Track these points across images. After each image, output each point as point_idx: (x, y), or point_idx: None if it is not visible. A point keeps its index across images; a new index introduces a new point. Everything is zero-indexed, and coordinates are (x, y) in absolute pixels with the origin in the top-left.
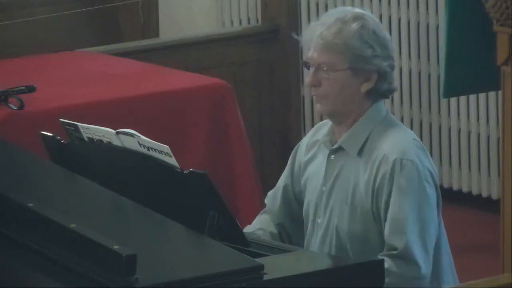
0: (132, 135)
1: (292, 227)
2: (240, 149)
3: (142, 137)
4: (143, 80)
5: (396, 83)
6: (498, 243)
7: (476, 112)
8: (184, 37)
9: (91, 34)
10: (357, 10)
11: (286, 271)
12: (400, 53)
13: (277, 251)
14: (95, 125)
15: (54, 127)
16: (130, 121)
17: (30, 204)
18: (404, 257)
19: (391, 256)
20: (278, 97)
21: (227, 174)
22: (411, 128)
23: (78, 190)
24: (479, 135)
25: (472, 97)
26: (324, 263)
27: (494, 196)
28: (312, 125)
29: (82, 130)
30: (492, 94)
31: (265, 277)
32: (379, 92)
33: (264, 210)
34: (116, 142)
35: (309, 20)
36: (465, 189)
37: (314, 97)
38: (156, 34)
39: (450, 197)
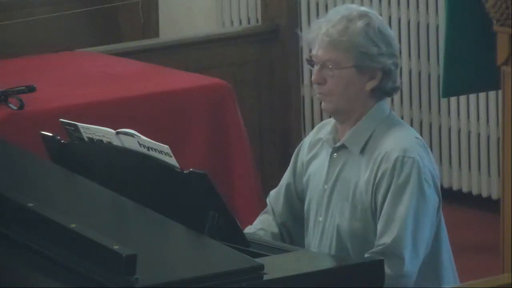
0: (132, 135)
1: (294, 226)
2: (240, 149)
3: (142, 137)
4: (143, 80)
5: (400, 82)
6: (498, 243)
7: (476, 112)
8: (184, 37)
9: (91, 34)
10: (362, 8)
11: (286, 271)
12: (400, 53)
13: (277, 251)
14: (95, 125)
15: (54, 127)
16: (130, 121)
17: (30, 204)
18: (390, 251)
19: (378, 252)
20: (278, 97)
21: (227, 174)
22: None
23: (78, 190)
24: (479, 135)
25: (472, 97)
26: (324, 263)
27: (494, 196)
28: (312, 125)
29: (82, 130)
30: (492, 94)
31: (265, 277)
32: (384, 91)
33: (265, 210)
34: (116, 142)
35: (309, 20)
36: (465, 189)
37: (318, 95)
38: (156, 34)
39: (450, 197)
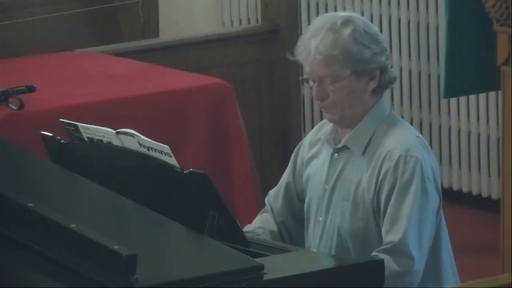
0: (132, 135)
1: (294, 225)
2: (240, 149)
3: (142, 137)
4: (143, 80)
5: (394, 70)
6: (498, 243)
7: (476, 112)
8: (184, 37)
9: (91, 34)
10: (343, 14)
11: (286, 271)
12: (400, 53)
13: (277, 251)
14: (95, 125)
15: (54, 127)
16: (130, 121)
17: (30, 204)
18: (399, 250)
19: (385, 250)
20: (278, 97)
21: (227, 174)
22: None
23: (78, 190)
24: (479, 135)
25: (472, 97)
26: (324, 263)
27: (494, 196)
28: (312, 125)
29: (82, 130)
30: (492, 94)
31: (265, 277)
32: (384, 86)
33: (264, 209)
34: (116, 142)
35: (309, 20)
36: (465, 189)
37: (322, 108)
38: (156, 34)
39: (450, 197)
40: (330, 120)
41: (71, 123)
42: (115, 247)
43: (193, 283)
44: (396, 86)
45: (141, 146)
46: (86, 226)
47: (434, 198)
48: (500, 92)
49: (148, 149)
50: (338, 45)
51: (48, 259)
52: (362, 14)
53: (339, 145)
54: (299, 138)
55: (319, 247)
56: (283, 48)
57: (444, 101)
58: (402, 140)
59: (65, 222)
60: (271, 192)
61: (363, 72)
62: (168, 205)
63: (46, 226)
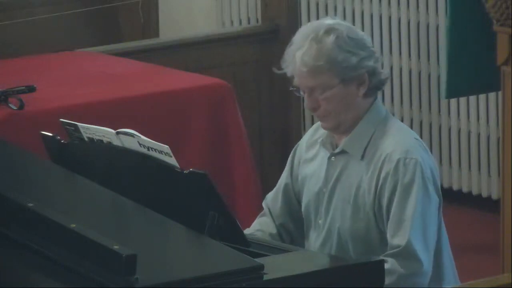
0: (132, 135)
1: (294, 226)
2: (240, 149)
3: (142, 137)
4: (143, 80)
5: (385, 71)
6: (498, 243)
7: (476, 112)
8: (184, 37)
9: (91, 34)
10: (326, 21)
11: (286, 271)
12: (400, 53)
13: (277, 251)
14: (95, 125)
15: (54, 127)
16: (130, 121)
17: (30, 204)
18: (406, 253)
19: (393, 255)
20: (278, 97)
21: (227, 174)
22: (411, 128)
23: (78, 190)
24: (479, 135)
25: (472, 97)
26: (324, 263)
27: (494, 196)
28: (312, 125)
29: (82, 130)
30: (492, 94)
31: (265, 277)
32: (375, 88)
33: (262, 213)
34: (116, 142)
35: (309, 20)
36: (465, 189)
37: (316, 117)
38: (156, 34)
39: (450, 197)
40: (325, 128)
41: (71, 123)
42: (115, 247)
43: (193, 283)
44: (396, 86)
45: (141, 146)
46: (86, 226)
47: (435, 198)
48: (500, 92)
49: (148, 149)
50: (322, 55)
51: (48, 259)
52: (362, 14)
53: (337, 150)
54: (299, 138)
55: (320, 249)
56: (283, 48)
57: (444, 101)
58: (400, 142)
59: (65, 222)
60: (269, 195)
61: (352, 78)
62: (168, 205)
63: (46, 226)
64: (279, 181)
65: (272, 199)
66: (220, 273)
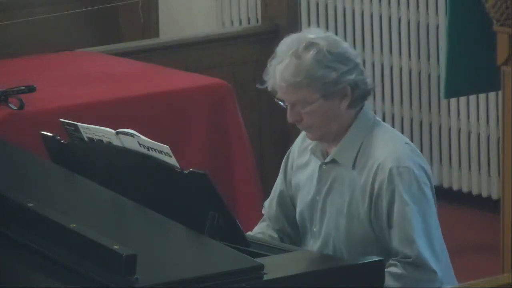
0: (132, 135)
1: (292, 230)
2: (240, 149)
3: (142, 137)
4: (143, 80)
5: (370, 80)
6: (498, 243)
7: (476, 112)
8: (184, 37)
9: (91, 34)
10: (308, 35)
11: (286, 271)
12: (400, 53)
13: (277, 251)
14: (95, 125)
15: (54, 127)
16: (130, 121)
17: (30, 204)
18: (420, 264)
19: (406, 263)
20: None
21: (227, 174)
22: (411, 128)
23: (78, 190)
24: (479, 135)
25: (472, 97)
26: (324, 263)
27: (494, 196)
28: None
29: (82, 130)
30: (492, 94)
31: (265, 277)
32: (360, 98)
33: (262, 219)
34: (116, 142)
35: (309, 20)
36: (465, 189)
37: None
38: (156, 34)
39: (450, 197)
40: (311, 139)
41: (71, 123)
42: (115, 247)
43: (193, 283)
44: (396, 86)
45: (141, 146)
46: (86, 226)
47: (432, 200)
48: (500, 92)
49: (148, 149)
50: (301, 71)
51: (48, 259)
52: (362, 14)
53: (327, 160)
54: None
55: None
56: None
57: (444, 101)
58: (391, 149)
59: (65, 222)
60: (266, 203)
61: (332, 93)
62: (168, 205)
63: (46, 226)
64: (274, 187)
65: (269, 206)
66: (220, 273)
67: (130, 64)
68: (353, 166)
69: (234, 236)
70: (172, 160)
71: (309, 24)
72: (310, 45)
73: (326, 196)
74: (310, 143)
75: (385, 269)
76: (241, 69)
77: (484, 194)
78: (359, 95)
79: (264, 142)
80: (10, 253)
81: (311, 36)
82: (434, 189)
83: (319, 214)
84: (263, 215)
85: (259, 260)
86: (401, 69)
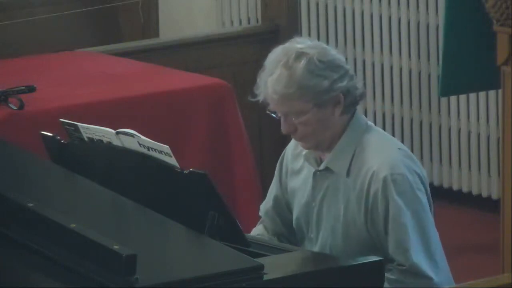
0: (132, 135)
1: (289, 232)
2: (240, 149)
3: (142, 137)
4: (143, 80)
5: (361, 84)
6: (498, 243)
7: (476, 112)
8: (184, 37)
9: (91, 34)
10: (297, 45)
11: (286, 271)
12: (400, 53)
13: (277, 251)
14: (95, 125)
15: (54, 127)
16: (130, 121)
17: (30, 204)
18: (414, 271)
19: (400, 271)
20: None
21: (227, 174)
22: (411, 128)
23: (78, 190)
24: (479, 135)
25: (472, 97)
26: (324, 263)
27: (494, 196)
28: None
29: (82, 130)
30: (492, 94)
31: (265, 277)
32: (352, 104)
33: (260, 221)
34: (116, 142)
35: (309, 20)
36: (465, 189)
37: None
38: (156, 34)
39: (450, 197)
40: (305, 148)
41: (71, 123)
42: (115, 247)
43: (193, 283)
44: (396, 86)
45: (141, 146)
46: (86, 226)
47: (428, 205)
48: (500, 92)
49: (148, 149)
50: (293, 82)
51: (48, 259)
52: (362, 14)
53: (321, 167)
54: None
55: None
56: None
57: (444, 101)
58: (385, 157)
59: (65, 222)
60: (261, 206)
61: (325, 101)
62: (168, 205)
63: (46, 226)
64: (269, 190)
65: (264, 210)
66: (220, 273)
67: (130, 64)
68: (347, 174)
69: (234, 236)
70: (172, 160)
71: (309, 24)
72: (300, 55)
73: (321, 203)
74: (303, 149)
75: None
76: (241, 69)
77: (484, 194)
78: (351, 101)
79: (264, 142)
80: (10, 253)
81: (300, 46)
82: (430, 193)
83: (315, 220)
84: (260, 217)
85: (259, 260)
86: (401, 69)
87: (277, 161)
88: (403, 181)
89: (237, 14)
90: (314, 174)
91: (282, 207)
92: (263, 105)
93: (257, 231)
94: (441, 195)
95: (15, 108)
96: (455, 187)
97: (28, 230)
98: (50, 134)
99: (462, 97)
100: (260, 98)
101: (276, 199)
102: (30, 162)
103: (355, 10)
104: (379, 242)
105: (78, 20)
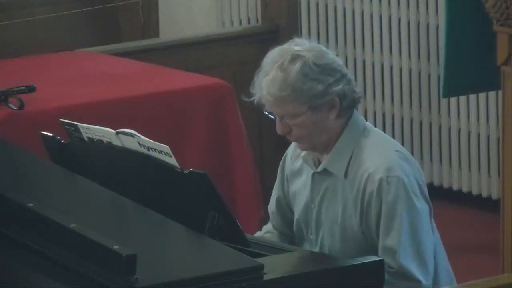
0: (132, 135)
1: (292, 232)
2: (240, 149)
3: (142, 137)
4: (143, 80)
5: (359, 88)
6: (498, 243)
7: (476, 112)
8: (184, 37)
9: (91, 34)
10: (294, 47)
11: (286, 271)
12: (400, 53)
13: (277, 251)
14: (95, 125)
15: (54, 127)
16: (130, 121)
17: (30, 204)
18: (402, 275)
19: (389, 273)
20: None
21: (227, 174)
22: (411, 128)
23: (78, 190)
24: (479, 135)
25: (472, 97)
26: (324, 263)
27: (494, 196)
28: None
29: (82, 130)
30: (492, 94)
31: (265, 277)
32: (348, 107)
33: (270, 219)
34: (116, 142)
35: (309, 20)
36: (465, 189)
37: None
38: (156, 34)
39: (450, 197)
40: (302, 150)
41: (71, 123)
42: (115, 247)
43: (193, 283)
44: (396, 86)
45: (141, 146)
46: (86, 226)
47: (424, 208)
48: (500, 92)
49: (148, 149)
50: (287, 85)
51: (48, 259)
52: (362, 14)
53: (319, 169)
54: None
55: None
56: None
57: (444, 101)
58: (381, 158)
59: (65, 222)
60: (268, 206)
61: (320, 105)
62: (168, 205)
63: (46, 226)
64: (272, 194)
65: (270, 210)
66: (220, 273)
67: (130, 64)
68: (345, 176)
69: (234, 236)
70: (172, 160)
71: (309, 24)
72: (295, 57)
73: (320, 205)
74: (302, 151)
75: None
76: (241, 69)
77: (484, 194)
78: (347, 104)
79: (264, 142)
80: (10, 253)
81: (297, 48)
82: (427, 195)
83: (315, 222)
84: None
85: (259, 260)
86: (401, 69)
87: (277, 161)
88: (397, 184)
89: (237, 14)
90: (313, 176)
91: (284, 209)
92: (261, 106)
93: (265, 229)
94: (441, 195)
95: (15, 108)
96: (455, 187)
97: (28, 230)
98: (50, 134)
99: (462, 97)
100: (256, 98)
101: (278, 201)
102: (30, 162)
103: (355, 10)
104: (373, 244)
105: (78, 20)
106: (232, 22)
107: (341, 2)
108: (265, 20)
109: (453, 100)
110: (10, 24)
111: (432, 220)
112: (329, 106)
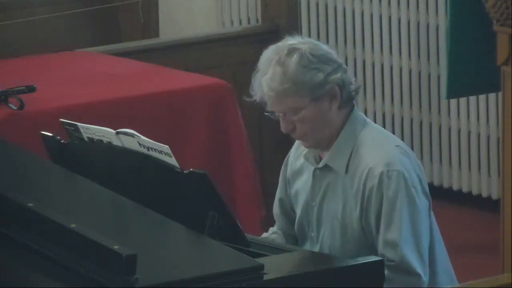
0: (132, 135)
1: (294, 231)
2: (240, 149)
3: (142, 137)
4: (143, 80)
5: (355, 78)
6: (498, 243)
7: (476, 112)
8: (184, 37)
9: (91, 34)
10: (288, 42)
11: (286, 271)
12: (400, 53)
13: (277, 251)
14: (95, 125)
15: (54, 127)
16: (130, 121)
17: (30, 204)
18: (403, 268)
19: (389, 267)
20: None
21: (227, 174)
22: (411, 128)
23: (78, 190)
24: (479, 135)
25: (472, 97)
26: (324, 263)
27: (494, 196)
28: None
29: (82, 130)
30: (492, 94)
31: (265, 277)
32: (348, 98)
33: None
34: (116, 142)
35: (309, 20)
36: (465, 189)
37: (296, 138)
38: (156, 34)
39: (450, 197)
40: (306, 147)
41: (71, 123)
42: (115, 247)
43: (193, 283)
44: (396, 86)
45: (141, 146)
46: (86, 226)
47: (424, 203)
48: (500, 92)
49: (148, 149)
50: (288, 78)
51: (48, 259)
52: (362, 14)
53: (320, 165)
54: None
55: None
56: None
57: (444, 101)
58: (382, 153)
59: (65, 222)
60: (273, 207)
61: (322, 95)
62: (168, 205)
63: (46, 226)
64: (276, 194)
65: (275, 211)
66: (220, 273)
67: (130, 64)
68: (346, 171)
69: (234, 236)
70: (172, 160)
71: (309, 24)
72: (292, 50)
73: (321, 202)
74: (304, 149)
75: None
76: (241, 69)
77: (484, 194)
78: (347, 94)
79: (264, 142)
80: (10, 253)
81: (291, 42)
82: (427, 190)
83: (316, 219)
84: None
85: (259, 260)
86: (401, 69)
87: (277, 161)
88: (398, 178)
89: (237, 14)
90: (314, 172)
91: (287, 209)
92: (263, 105)
93: (271, 231)
94: (441, 195)
95: (15, 108)
96: (455, 187)
97: (28, 230)
98: (50, 134)
99: (462, 98)
100: (257, 98)
101: (281, 202)
102: (30, 162)
103: (355, 10)
104: (372, 239)
105: (78, 20)
106: (232, 22)
107: (341, 2)
108: (265, 20)
109: (453, 100)
110: (10, 24)
111: (432, 215)
112: (331, 96)
